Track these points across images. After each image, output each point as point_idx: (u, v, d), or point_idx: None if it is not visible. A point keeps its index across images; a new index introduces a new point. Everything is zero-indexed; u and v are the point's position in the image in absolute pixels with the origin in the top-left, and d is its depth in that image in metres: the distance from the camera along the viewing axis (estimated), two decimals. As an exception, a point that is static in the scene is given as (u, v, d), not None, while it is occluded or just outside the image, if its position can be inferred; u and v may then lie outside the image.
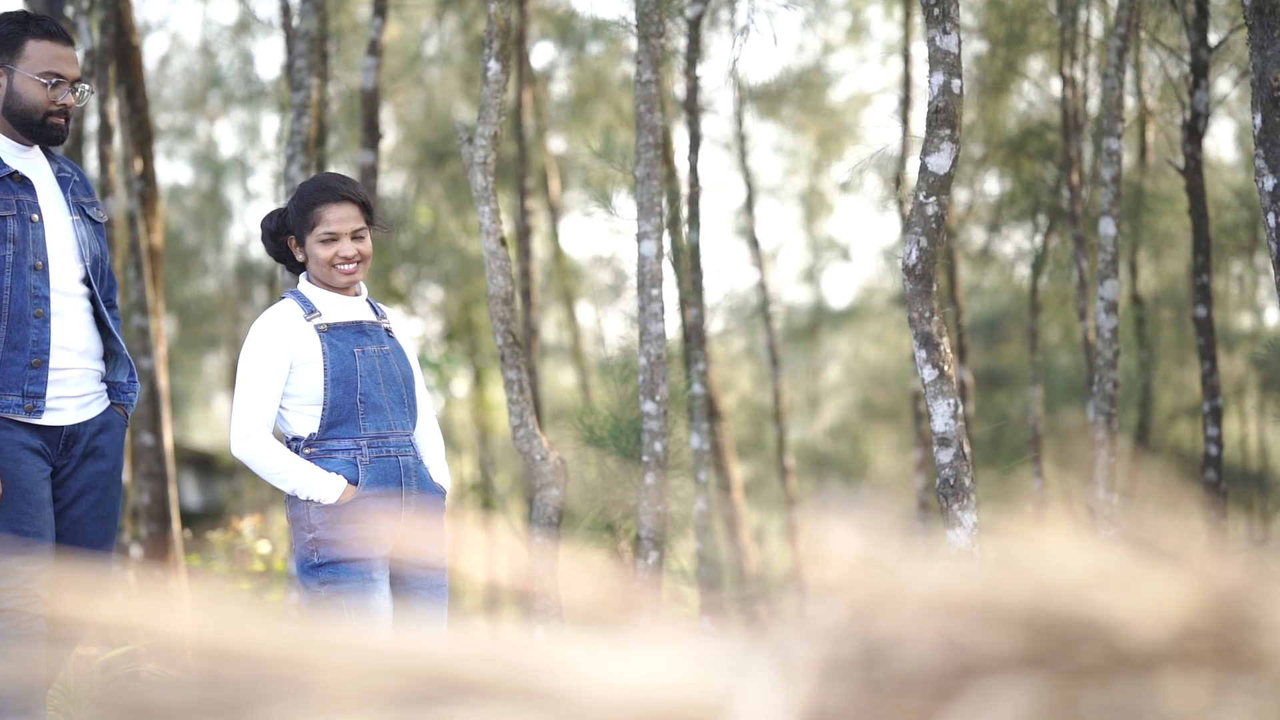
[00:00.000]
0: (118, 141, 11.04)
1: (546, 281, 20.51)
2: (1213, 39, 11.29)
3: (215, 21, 22.30)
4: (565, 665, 1.47)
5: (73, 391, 4.85)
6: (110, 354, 4.99)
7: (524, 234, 15.92)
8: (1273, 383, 16.02)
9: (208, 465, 22.21)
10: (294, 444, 5.00)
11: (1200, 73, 10.85)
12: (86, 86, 4.97)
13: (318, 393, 4.97)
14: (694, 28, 11.26)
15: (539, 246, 19.53)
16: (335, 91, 14.55)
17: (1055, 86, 14.51)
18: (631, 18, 7.15)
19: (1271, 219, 4.45)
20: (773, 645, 1.45)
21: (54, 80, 4.82)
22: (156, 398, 10.41)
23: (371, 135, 11.75)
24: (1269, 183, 4.45)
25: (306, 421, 4.99)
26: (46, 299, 4.77)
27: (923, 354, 5.65)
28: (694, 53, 11.53)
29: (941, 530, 5.71)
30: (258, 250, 22.86)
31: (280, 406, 5.01)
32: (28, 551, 4.65)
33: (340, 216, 5.02)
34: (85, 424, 4.89)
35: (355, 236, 5.04)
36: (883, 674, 1.33)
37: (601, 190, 8.08)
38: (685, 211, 11.40)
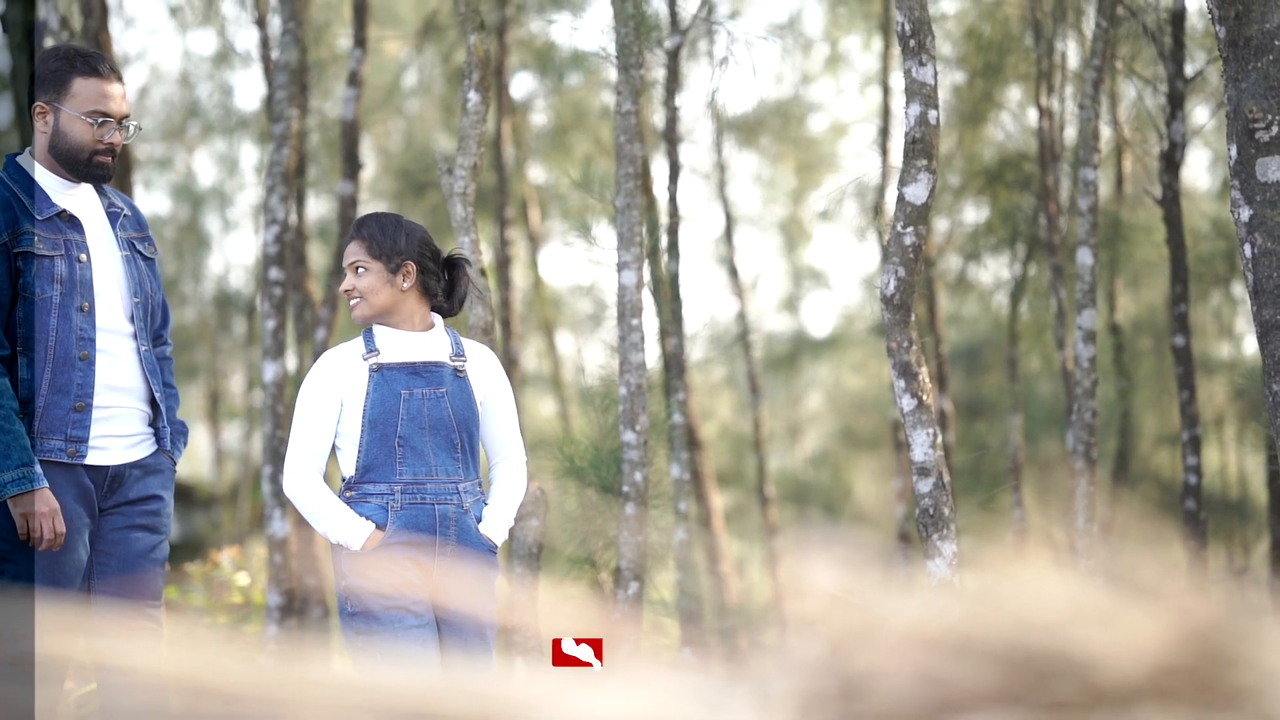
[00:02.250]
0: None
1: (526, 311, 20.51)
2: (1189, 70, 11.35)
3: (194, 53, 22.29)
4: (543, 699, 1.47)
5: (119, 431, 4.80)
6: (158, 397, 4.93)
7: (504, 263, 15.92)
8: (1252, 412, 16.07)
9: (186, 496, 22.14)
10: (343, 484, 4.97)
11: (1177, 103, 10.90)
12: (135, 124, 4.91)
13: (358, 434, 4.93)
14: (673, 58, 11.29)
15: (519, 276, 19.53)
16: (315, 122, 14.55)
17: (1032, 117, 14.57)
18: (611, 49, 7.17)
19: (1247, 249, 4.47)
20: (752, 679, 1.45)
21: (101, 119, 4.76)
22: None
23: (351, 166, 11.75)
24: (1244, 213, 4.47)
25: (351, 463, 4.94)
26: (92, 340, 4.72)
27: (901, 383, 5.66)
28: (673, 83, 11.56)
29: (922, 560, 5.71)
30: (237, 280, 22.82)
31: (335, 445, 4.96)
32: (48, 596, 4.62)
33: (347, 252, 5.04)
34: (131, 465, 4.83)
35: (354, 270, 5.01)
36: (861, 708, 1.33)
37: (581, 220, 8.10)
38: (665, 241, 11.41)
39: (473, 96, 6.67)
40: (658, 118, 13.79)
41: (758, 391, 18.27)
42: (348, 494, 4.90)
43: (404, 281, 5.02)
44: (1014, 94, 15.09)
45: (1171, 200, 10.93)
